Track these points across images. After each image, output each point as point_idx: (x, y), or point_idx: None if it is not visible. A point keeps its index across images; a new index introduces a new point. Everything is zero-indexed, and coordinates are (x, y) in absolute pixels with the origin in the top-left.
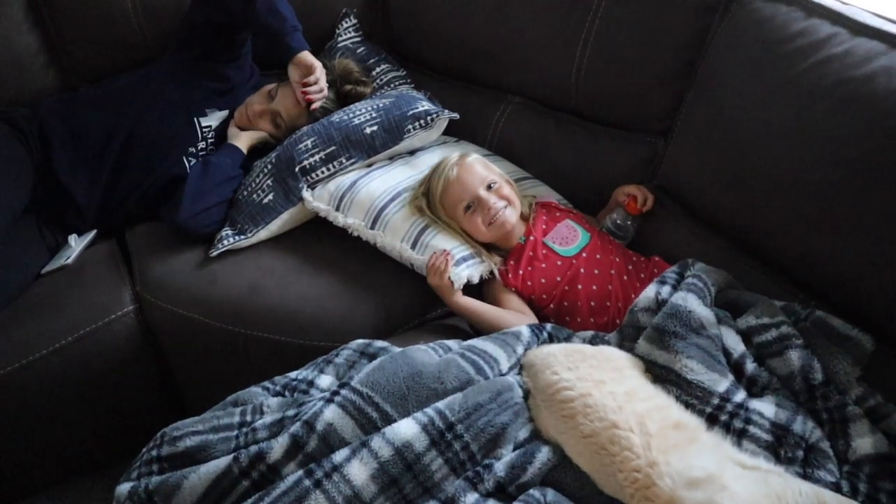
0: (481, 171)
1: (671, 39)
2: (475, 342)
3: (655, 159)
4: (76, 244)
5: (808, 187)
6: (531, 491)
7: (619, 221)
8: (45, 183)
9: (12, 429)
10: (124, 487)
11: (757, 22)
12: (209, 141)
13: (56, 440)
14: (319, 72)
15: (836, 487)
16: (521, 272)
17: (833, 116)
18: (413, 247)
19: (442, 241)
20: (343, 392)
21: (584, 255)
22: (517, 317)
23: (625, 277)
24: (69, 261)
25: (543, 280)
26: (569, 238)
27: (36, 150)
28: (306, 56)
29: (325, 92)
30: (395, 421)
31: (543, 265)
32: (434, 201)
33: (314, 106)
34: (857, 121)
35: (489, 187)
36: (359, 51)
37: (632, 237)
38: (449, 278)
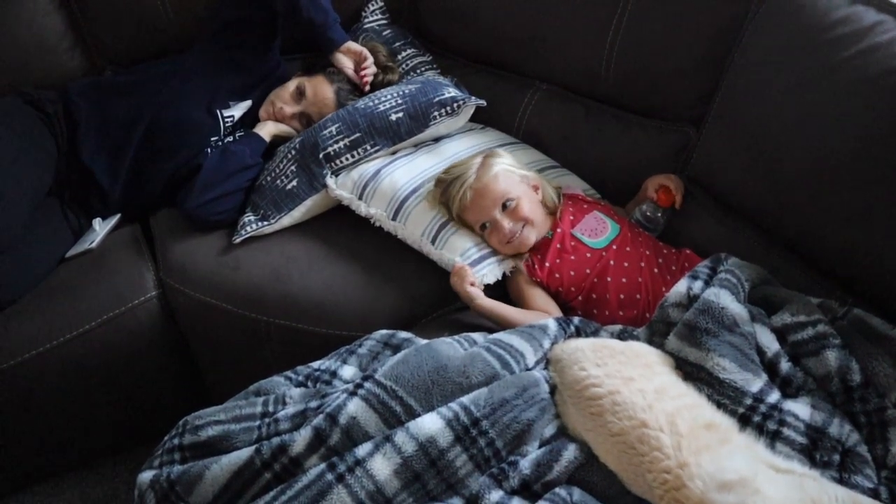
0: (499, 188)
1: (705, 25)
2: (501, 335)
3: (687, 148)
4: (100, 228)
5: (847, 179)
6: (557, 489)
7: (648, 214)
8: (70, 166)
9: (35, 412)
10: (146, 476)
11: (796, 8)
12: (231, 131)
13: (78, 424)
14: (368, 56)
15: (874, 494)
16: (547, 265)
17: (877, 107)
18: (433, 241)
19: (462, 238)
20: (367, 385)
21: (613, 247)
22: (543, 317)
23: (655, 270)
24: (93, 245)
25: (573, 272)
26: (598, 230)
27: (60, 132)
28: (354, 45)
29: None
30: (419, 415)
31: (572, 257)
32: (452, 207)
33: (367, 86)
34: None
35: (505, 206)
36: (385, 33)
37: (662, 229)
38: (469, 287)
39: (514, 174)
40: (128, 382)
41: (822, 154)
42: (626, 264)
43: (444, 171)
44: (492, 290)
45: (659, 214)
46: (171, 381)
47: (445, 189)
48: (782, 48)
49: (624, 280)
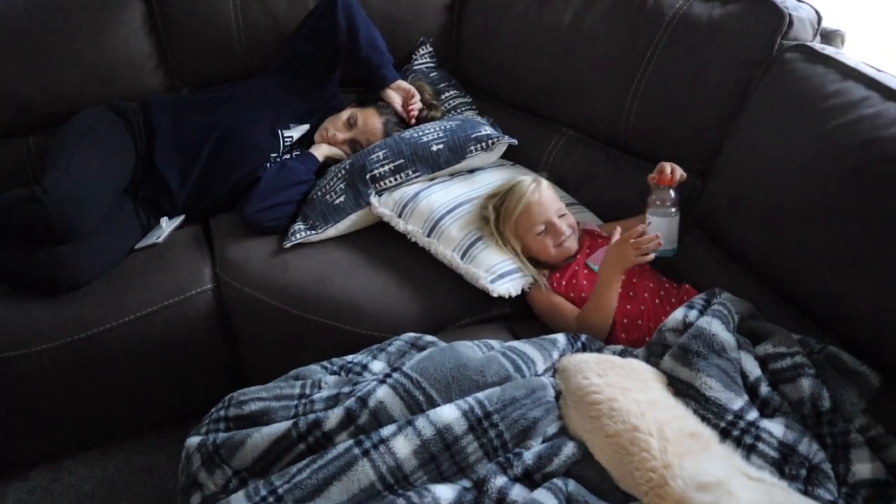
0: (554, 199)
1: (716, 90)
2: (515, 344)
3: (692, 197)
4: (167, 226)
5: (832, 234)
6: (555, 480)
7: (654, 197)
8: (145, 169)
9: (98, 382)
10: (194, 440)
11: (796, 80)
12: (289, 150)
13: (132, 396)
14: (416, 94)
15: None
16: (563, 283)
17: (858, 173)
18: (462, 257)
19: (488, 255)
20: (395, 375)
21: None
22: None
23: (656, 300)
24: (159, 240)
25: (583, 294)
26: None
27: (140, 139)
28: (403, 83)
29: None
30: (438, 405)
31: (584, 282)
32: (507, 215)
33: (413, 120)
34: (882, 178)
35: (560, 215)
36: (431, 75)
37: (678, 208)
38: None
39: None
40: (179, 363)
41: (809, 210)
42: (631, 293)
43: (493, 190)
44: (511, 304)
45: (666, 194)
46: (216, 366)
47: (503, 198)
48: (781, 113)
49: (628, 307)
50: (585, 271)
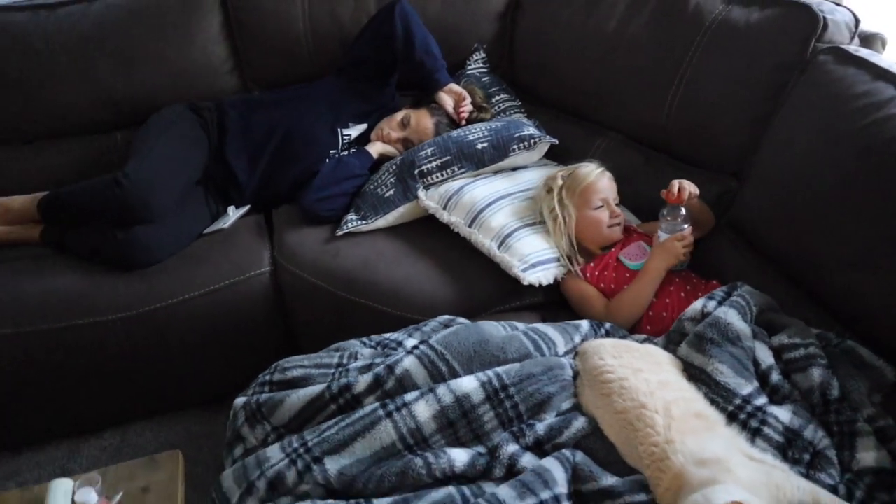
0: (615, 188)
1: (752, 92)
2: (538, 326)
3: (727, 197)
4: (233, 214)
5: (855, 230)
6: (564, 451)
7: (665, 212)
8: (216, 162)
9: (163, 353)
10: (241, 400)
11: (828, 82)
12: (347, 147)
13: (194, 368)
14: (467, 97)
15: (833, 490)
16: (596, 273)
17: (883, 169)
18: (499, 246)
19: (523, 245)
20: (422, 347)
21: None
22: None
23: (682, 294)
24: (226, 226)
25: (613, 286)
26: (639, 255)
27: (213, 135)
28: (455, 86)
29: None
30: (460, 376)
31: (614, 274)
32: (573, 185)
33: (464, 121)
34: None
35: (616, 203)
36: (483, 79)
37: (688, 223)
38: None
39: None
40: (236, 337)
41: (837, 208)
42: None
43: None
44: (545, 294)
45: (677, 211)
46: (270, 342)
47: (572, 171)
48: (813, 115)
49: (654, 299)
50: (615, 264)
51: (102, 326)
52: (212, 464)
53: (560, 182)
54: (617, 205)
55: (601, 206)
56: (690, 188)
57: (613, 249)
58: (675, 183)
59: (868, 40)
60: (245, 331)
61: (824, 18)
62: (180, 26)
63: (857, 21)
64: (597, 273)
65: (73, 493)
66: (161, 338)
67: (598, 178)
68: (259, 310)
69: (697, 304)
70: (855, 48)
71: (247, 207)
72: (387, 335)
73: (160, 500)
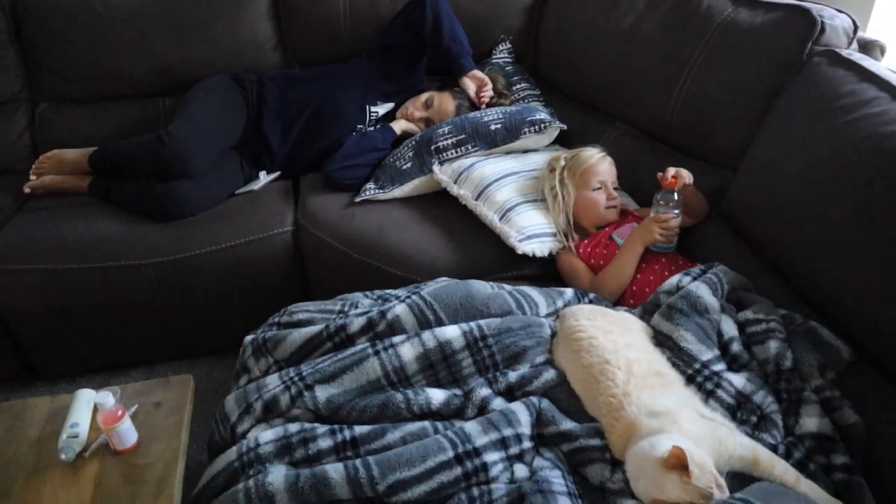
0: (614, 173)
1: (752, 89)
2: (524, 287)
3: (723, 188)
4: (264, 178)
5: (829, 221)
6: (532, 397)
7: (658, 197)
8: (253, 130)
9: (191, 298)
10: (250, 337)
11: (820, 81)
12: (374, 123)
13: (217, 316)
14: (488, 83)
15: (773, 449)
16: (588, 250)
17: (856, 164)
18: (501, 218)
19: (522, 219)
20: (413, 297)
21: None
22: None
23: (665, 273)
24: (256, 188)
25: (603, 262)
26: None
27: (252, 106)
28: (478, 73)
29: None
30: (444, 325)
31: (605, 251)
32: (574, 166)
33: (484, 105)
34: (874, 169)
35: (615, 187)
36: (507, 68)
37: (679, 209)
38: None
39: None
40: (256, 289)
41: (815, 199)
42: (643, 265)
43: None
44: (542, 266)
45: (670, 196)
46: (288, 295)
47: (575, 153)
48: (801, 113)
49: (639, 276)
50: (607, 241)
51: (136, 270)
52: None
53: (563, 163)
54: (616, 189)
55: (599, 188)
56: (685, 176)
57: (607, 229)
58: (671, 169)
59: (867, 47)
60: (266, 283)
61: (822, 23)
62: (231, 4)
63: (855, 27)
64: (589, 249)
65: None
66: (188, 284)
67: (598, 162)
68: (279, 265)
69: (674, 279)
70: (848, 52)
71: (277, 173)
72: (388, 291)
73: (170, 415)
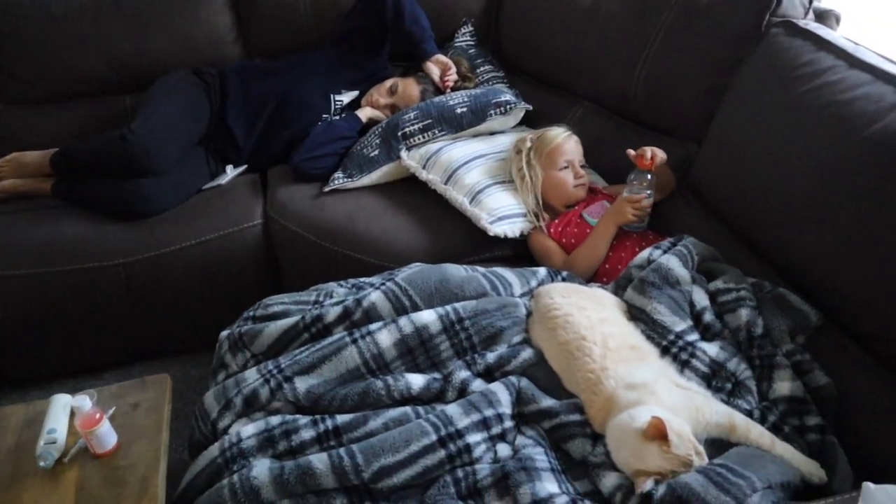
0: (580, 151)
1: (713, 62)
2: (497, 269)
3: (688, 161)
4: (231, 172)
5: (793, 189)
6: (510, 377)
7: (632, 177)
8: (217, 124)
9: (162, 297)
10: (225, 332)
11: (778, 51)
12: (339, 112)
13: (189, 313)
14: (452, 66)
15: (749, 414)
16: (560, 229)
17: (817, 130)
18: (471, 201)
19: (493, 200)
20: (388, 283)
21: None
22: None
23: (637, 249)
24: (223, 182)
25: (574, 241)
26: (601, 214)
27: (215, 100)
28: (442, 57)
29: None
30: (421, 310)
31: (575, 230)
32: (540, 147)
33: (449, 89)
34: (835, 135)
35: (582, 165)
36: (470, 51)
37: (652, 189)
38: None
39: None
40: (228, 284)
41: (778, 167)
42: (614, 242)
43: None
44: (513, 248)
45: (643, 176)
46: (260, 289)
47: (541, 134)
48: (761, 83)
49: (610, 254)
50: (578, 220)
51: (105, 271)
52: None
53: (529, 144)
54: (582, 167)
55: (566, 168)
56: (661, 155)
57: (577, 207)
58: (648, 150)
59: (822, 16)
60: (238, 278)
61: None
62: None
63: None
64: (560, 229)
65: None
66: (159, 283)
67: (564, 141)
68: (250, 259)
69: (644, 253)
70: (805, 22)
71: (244, 167)
72: (362, 279)
73: (148, 416)
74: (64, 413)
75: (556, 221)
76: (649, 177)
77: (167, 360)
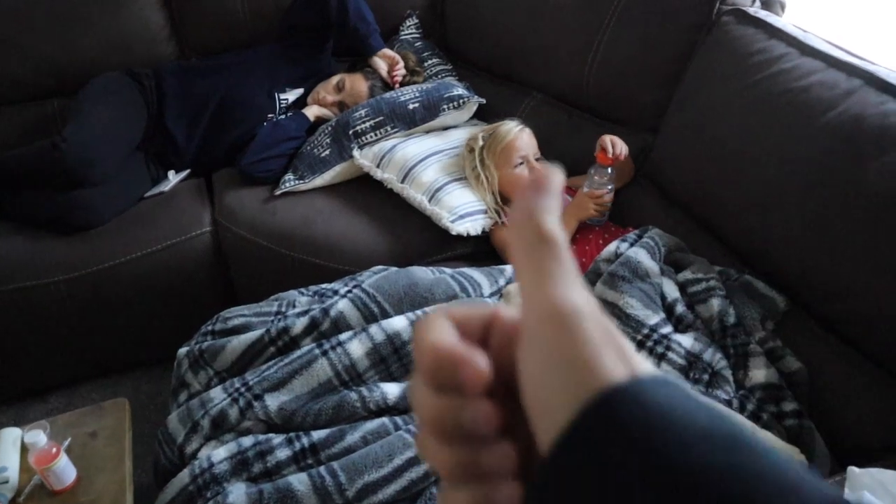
0: (534, 145)
1: (665, 51)
2: (465, 269)
3: (645, 151)
4: (173, 178)
5: (753, 174)
6: None
7: (593, 172)
8: (156, 127)
9: (108, 313)
10: (183, 349)
11: (730, 39)
12: (285, 111)
13: (138, 328)
14: (400, 61)
15: (728, 404)
16: None
17: (774, 118)
18: (430, 200)
19: (454, 198)
20: (355, 290)
21: None
22: None
23: (600, 242)
24: (166, 189)
25: None
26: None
27: (152, 101)
28: (389, 51)
29: (404, 71)
30: (391, 317)
31: None
32: (493, 145)
33: (397, 85)
34: (792, 122)
35: (536, 159)
36: (416, 44)
37: (612, 184)
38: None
39: None
40: (180, 296)
41: (737, 156)
42: (577, 236)
43: (484, 128)
44: (475, 245)
45: (604, 171)
46: (213, 300)
47: (492, 131)
48: (715, 71)
49: (574, 247)
50: None
51: (45, 289)
52: (158, 418)
53: (481, 143)
54: (538, 160)
55: (521, 164)
56: (624, 151)
57: None
58: (608, 143)
59: (768, 3)
60: (188, 289)
61: None
62: None
63: None
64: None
65: (23, 440)
66: (105, 299)
67: (516, 137)
68: (201, 269)
69: (611, 247)
70: (755, 10)
71: (186, 172)
72: (324, 285)
73: (108, 445)
74: (14, 448)
75: None
76: (610, 171)
77: (116, 377)
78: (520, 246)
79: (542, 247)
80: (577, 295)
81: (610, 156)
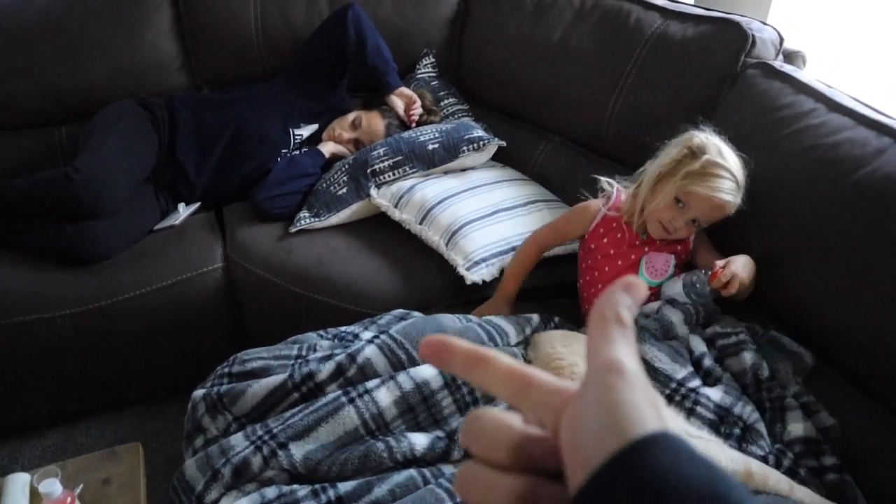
0: (713, 219)
1: (688, 101)
2: (492, 318)
3: None
4: (183, 211)
5: (780, 229)
6: None
7: (697, 285)
8: (167, 159)
9: (114, 348)
10: (199, 392)
11: (756, 93)
12: (299, 146)
13: (145, 364)
14: (417, 100)
15: (763, 459)
16: (608, 232)
17: (803, 173)
18: (447, 244)
19: (469, 242)
20: (382, 336)
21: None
22: None
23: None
24: (176, 222)
25: (594, 258)
26: (659, 270)
27: (163, 132)
28: (406, 90)
29: (421, 110)
30: (419, 364)
31: (606, 268)
32: (698, 181)
33: (414, 124)
34: (820, 178)
35: (694, 221)
36: (432, 83)
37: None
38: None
39: None
40: (189, 333)
41: (763, 209)
42: (606, 269)
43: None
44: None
45: (706, 289)
46: (223, 338)
47: (714, 163)
48: (741, 124)
49: (605, 271)
50: (635, 259)
51: (51, 323)
52: (161, 459)
53: (697, 166)
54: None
55: (682, 209)
56: (742, 278)
57: (641, 245)
58: (730, 272)
59: (790, 57)
60: (198, 326)
61: (753, 36)
62: (129, 20)
63: (781, 39)
64: (608, 233)
65: (31, 486)
66: (112, 334)
67: (714, 198)
68: (212, 305)
69: (655, 305)
70: (780, 64)
71: (197, 204)
72: (343, 328)
73: (122, 492)
74: (24, 495)
75: (602, 230)
76: (708, 291)
77: (117, 414)
78: (599, 318)
79: (616, 325)
80: (632, 361)
81: (720, 284)
